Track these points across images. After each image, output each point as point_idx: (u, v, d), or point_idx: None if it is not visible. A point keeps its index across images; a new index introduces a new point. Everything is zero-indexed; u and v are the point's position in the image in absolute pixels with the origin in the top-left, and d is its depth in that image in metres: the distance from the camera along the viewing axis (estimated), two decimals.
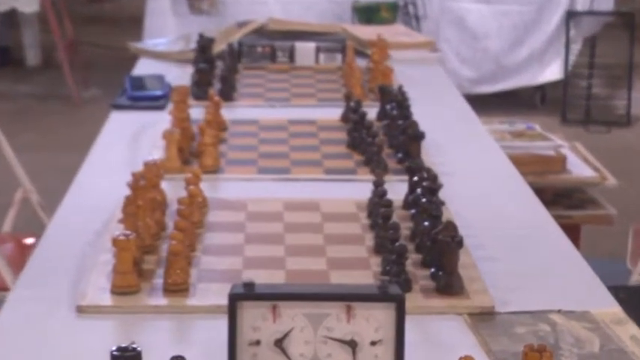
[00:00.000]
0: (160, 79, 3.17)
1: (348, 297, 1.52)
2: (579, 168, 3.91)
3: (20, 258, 3.13)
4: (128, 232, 1.83)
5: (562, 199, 3.82)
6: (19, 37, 7.88)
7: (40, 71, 7.80)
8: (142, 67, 3.56)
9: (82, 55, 7.57)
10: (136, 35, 6.39)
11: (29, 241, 3.31)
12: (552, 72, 6.62)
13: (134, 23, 7.51)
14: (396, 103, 2.69)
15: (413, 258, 1.91)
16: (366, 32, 3.79)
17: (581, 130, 6.24)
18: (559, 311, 1.78)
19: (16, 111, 6.62)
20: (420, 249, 1.95)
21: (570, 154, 3.97)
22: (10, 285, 2.88)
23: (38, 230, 3.38)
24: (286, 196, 2.29)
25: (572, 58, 6.60)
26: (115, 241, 1.80)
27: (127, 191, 2.06)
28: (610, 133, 6.38)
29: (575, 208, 3.77)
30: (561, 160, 3.85)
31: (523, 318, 1.76)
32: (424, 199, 2.02)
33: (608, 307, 1.81)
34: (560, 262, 2.03)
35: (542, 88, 6.82)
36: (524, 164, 3.14)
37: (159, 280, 1.84)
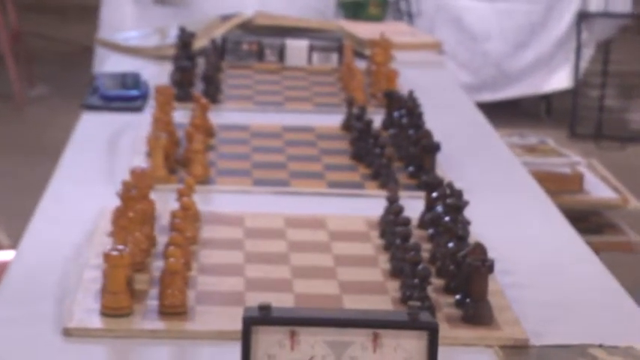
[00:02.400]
0: (135, 77, 3.20)
1: (375, 324, 1.56)
2: (598, 188, 3.96)
3: None
4: (121, 246, 1.86)
5: (578, 222, 3.86)
6: None
7: None
8: (112, 64, 3.59)
9: (26, 47, 7.56)
10: (87, 25, 6.40)
11: None
12: (560, 80, 6.66)
13: (84, 12, 7.52)
14: (405, 110, 2.73)
15: (434, 283, 1.95)
16: (366, 30, 3.83)
17: (592, 146, 6.29)
18: (600, 346, 1.82)
19: None
20: (442, 273, 1.99)
21: (587, 173, 4.03)
22: None
23: None
24: (287, 211, 2.32)
25: (584, 64, 6.64)
26: (108, 257, 1.82)
27: (107, 201, 2.10)
28: (624, 150, 6.43)
29: (592, 233, 3.81)
30: (578, 178, 3.90)
31: (560, 352, 1.79)
32: (447, 218, 2.06)
33: None
34: (597, 290, 2.06)
35: (548, 98, 6.86)
36: (538, 182, 3.17)
37: (152, 302, 1.86)
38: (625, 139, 6.50)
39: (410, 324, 1.55)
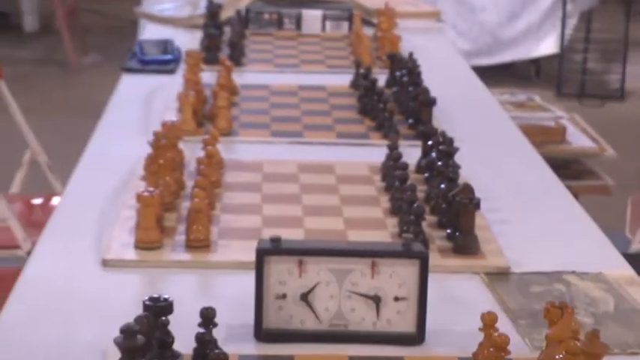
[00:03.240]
0: (169, 43, 3.19)
1: (373, 253, 1.55)
2: (578, 139, 3.94)
3: (28, 217, 3.16)
4: (152, 188, 1.85)
5: (560, 169, 3.84)
6: (18, 3, 7.86)
7: (38, 37, 7.79)
8: (149, 32, 3.57)
9: (80, 21, 7.55)
10: (133, 2, 6.39)
11: (37, 201, 3.32)
12: (548, 46, 6.63)
13: None
14: (406, 70, 2.71)
15: (428, 220, 1.94)
16: (373, 1, 3.79)
17: (576, 104, 6.26)
18: (573, 272, 1.81)
19: (14, 76, 6.60)
20: (435, 211, 1.98)
21: (569, 126, 4.01)
22: (22, 243, 2.90)
23: (46, 191, 3.41)
24: (300, 159, 2.31)
25: (568, 32, 6.60)
26: (140, 198, 1.82)
27: (142, 151, 2.09)
28: (604, 106, 6.41)
29: (573, 178, 3.80)
30: (561, 130, 3.88)
31: (538, 278, 1.79)
32: (440, 163, 2.04)
33: (620, 270, 1.84)
34: (571, 225, 2.05)
35: (537, 62, 6.84)
36: (526, 134, 3.15)
37: (180, 237, 1.86)
38: (604, 97, 6.48)
39: (403, 253, 1.55)
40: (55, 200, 3.27)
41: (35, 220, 3.12)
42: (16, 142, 3.40)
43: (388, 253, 1.55)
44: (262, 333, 1.54)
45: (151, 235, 1.82)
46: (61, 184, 3.42)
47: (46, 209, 3.23)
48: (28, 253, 2.92)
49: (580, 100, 6.44)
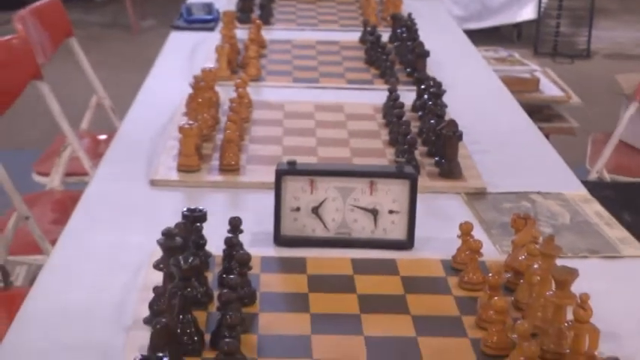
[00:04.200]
0: (209, 6, 3.16)
1: (372, 174, 1.55)
2: (550, 89, 3.90)
3: (95, 150, 3.16)
4: (191, 122, 1.85)
5: (534, 113, 3.81)
6: None
7: (105, 4, 7.75)
8: None
9: None
10: None
11: (102, 137, 3.32)
12: (527, 12, 6.56)
13: None
14: (405, 27, 2.69)
15: (420, 150, 1.93)
16: None
17: (550, 61, 6.20)
18: (538, 192, 1.81)
19: (85, 37, 6.58)
20: (426, 142, 1.97)
21: (542, 78, 3.97)
22: (89, 170, 2.91)
23: (109, 128, 3.41)
24: (316, 100, 2.30)
25: (545, 1, 6.53)
26: (181, 129, 1.82)
27: (185, 93, 2.09)
28: (573, 64, 6.35)
29: (544, 121, 3.77)
30: (535, 81, 3.84)
31: (509, 197, 1.79)
32: (430, 102, 2.03)
33: (577, 190, 1.84)
34: (539, 156, 2.04)
35: (518, 26, 6.76)
36: (505, 84, 3.13)
37: (215, 162, 1.86)
38: (574, 56, 6.41)
39: (397, 174, 1.55)
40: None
41: (100, 153, 3.10)
42: (86, 88, 3.40)
43: (384, 174, 1.55)
44: (280, 239, 1.55)
45: (190, 160, 1.83)
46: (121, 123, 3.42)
47: (109, 143, 3.23)
48: None
49: (553, 59, 6.38)
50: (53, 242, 2.45)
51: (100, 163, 1.95)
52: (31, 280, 2.85)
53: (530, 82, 3.81)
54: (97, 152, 3.12)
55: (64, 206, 2.82)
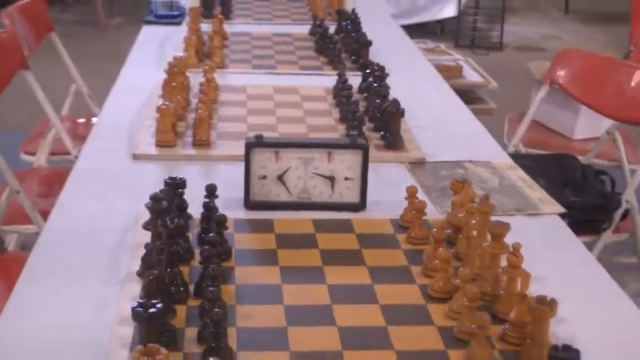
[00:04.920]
0: (176, 2, 3.13)
1: (329, 145, 1.55)
2: (471, 75, 3.93)
3: (75, 132, 3.12)
4: (167, 103, 1.84)
5: (459, 96, 3.82)
6: None
7: (76, 4, 7.62)
8: None
9: None
10: None
11: (81, 120, 3.28)
12: (449, 10, 6.59)
13: None
14: (350, 20, 2.69)
15: (367, 126, 1.94)
16: None
17: (469, 52, 6.23)
18: (470, 161, 1.83)
19: (60, 33, 6.47)
20: (372, 119, 1.98)
21: (465, 66, 4.00)
22: (71, 149, 2.88)
23: (87, 113, 3.37)
24: (274, 84, 2.29)
25: (463, 1, 6.58)
26: (159, 109, 1.81)
27: (159, 79, 2.07)
28: (488, 55, 6.40)
29: (467, 103, 3.78)
30: (459, 69, 3.87)
31: (445, 165, 1.80)
32: (375, 84, 2.04)
33: (502, 159, 1.86)
34: (469, 131, 2.06)
35: (441, 22, 6.79)
36: None
37: (189, 139, 1.85)
38: (489, 48, 6.45)
39: (351, 145, 1.55)
40: (94, 119, 3.24)
41: (80, 134, 3.07)
42: (65, 78, 3.35)
43: (340, 145, 1.56)
44: (250, 204, 1.55)
45: (167, 136, 1.81)
46: (98, 108, 3.38)
47: (88, 126, 3.20)
48: (76, 157, 2.90)
49: (472, 50, 6.41)
50: (41, 213, 2.43)
51: (86, 140, 1.92)
52: (21, 246, 2.81)
53: (455, 69, 3.83)
54: (76, 134, 3.09)
55: (49, 181, 2.79)
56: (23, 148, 2.98)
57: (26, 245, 2.88)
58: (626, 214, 2.72)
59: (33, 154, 2.94)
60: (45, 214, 2.42)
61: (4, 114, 4.58)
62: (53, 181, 2.79)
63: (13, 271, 2.19)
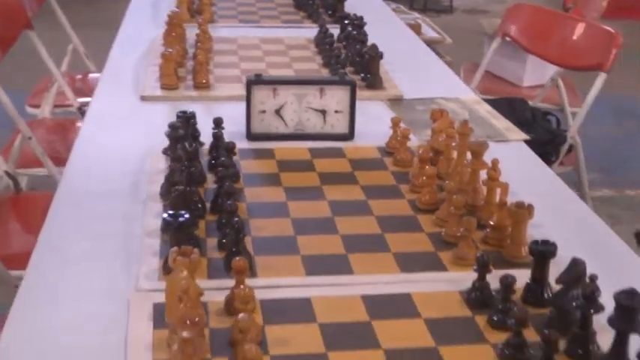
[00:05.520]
0: None
1: (321, 82, 1.56)
2: (429, 32, 3.94)
3: (74, 86, 3.09)
4: (170, 49, 1.83)
5: None
6: None
7: None
8: None
9: None
10: None
11: (78, 76, 3.25)
12: None
13: None
14: None
15: (348, 70, 1.94)
16: None
17: (422, 15, 6.23)
18: (442, 97, 1.85)
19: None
20: (352, 64, 1.98)
21: (423, 24, 4.00)
22: (72, 101, 2.86)
23: (83, 69, 3.34)
24: (260, 35, 2.29)
25: None
26: (163, 55, 1.80)
27: (155, 34, 2.05)
28: (439, 17, 6.41)
29: None
30: (419, 26, 3.87)
31: (420, 102, 1.82)
32: (355, 32, 2.05)
33: (469, 96, 1.89)
34: (438, 72, 2.08)
35: None
36: None
37: (189, 82, 1.85)
38: (440, 11, 6.49)
39: (340, 82, 1.56)
40: (92, 75, 3.21)
41: (78, 88, 3.06)
42: (63, 39, 3.31)
43: (331, 81, 1.57)
44: (251, 135, 1.56)
45: (171, 79, 1.81)
46: (94, 66, 3.35)
47: (85, 81, 3.17)
48: (78, 109, 2.88)
49: (424, 13, 6.41)
50: (50, 156, 2.42)
51: (97, 87, 1.91)
52: (31, 187, 2.80)
53: (415, 26, 3.82)
54: (75, 88, 3.06)
55: (54, 130, 2.77)
56: (29, 101, 2.95)
57: (35, 187, 2.86)
58: (570, 149, 2.78)
59: (38, 106, 2.92)
60: (52, 159, 2.42)
61: (10, 74, 4.50)
62: (58, 130, 2.77)
63: (29, 207, 2.20)
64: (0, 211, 2.13)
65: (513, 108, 2.87)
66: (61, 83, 2.88)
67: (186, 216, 1.06)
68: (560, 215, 1.31)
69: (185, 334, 0.74)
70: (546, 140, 2.70)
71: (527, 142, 1.63)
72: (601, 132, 4.21)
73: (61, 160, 2.40)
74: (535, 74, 3.44)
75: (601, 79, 2.53)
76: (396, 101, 1.81)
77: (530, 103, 3.03)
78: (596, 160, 3.61)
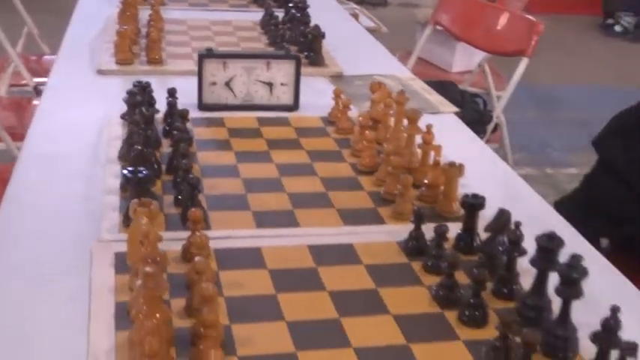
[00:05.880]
0: None
1: (268, 56, 1.57)
2: (366, 22, 3.96)
3: (29, 66, 3.03)
4: (124, 27, 1.82)
5: None
6: None
7: None
8: None
9: None
10: None
11: (33, 57, 3.19)
12: None
13: None
14: None
15: (293, 48, 1.95)
16: None
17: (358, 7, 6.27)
18: (379, 74, 1.87)
19: None
20: (296, 44, 1.98)
21: (360, 14, 4.03)
22: (29, 81, 2.81)
23: (37, 51, 3.28)
24: (209, 18, 2.28)
25: None
26: (118, 32, 1.79)
27: (110, 13, 2.03)
28: (375, 9, 6.46)
29: None
30: (357, 15, 3.88)
31: (359, 78, 1.85)
32: (298, 14, 2.06)
33: (404, 74, 1.92)
34: (374, 52, 2.11)
35: None
36: None
37: (143, 58, 1.83)
38: (376, 4, 6.54)
39: (286, 56, 1.57)
40: (45, 57, 3.16)
41: (32, 69, 3.01)
42: (18, 23, 3.24)
43: (277, 56, 1.58)
44: (203, 106, 1.56)
45: (126, 55, 1.80)
46: (48, 48, 3.30)
47: (39, 62, 3.12)
48: (34, 88, 2.83)
49: (361, 5, 6.44)
50: (7, 132, 2.38)
51: (55, 61, 1.89)
52: None
53: (354, 15, 3.85)
54: (30, 68, 3.01)
55: (11, 107, 2.72)
56: None
57: None
58: (495, 128, 2.85)
59: None
60: (11, 135, 2.38)
61: None
62: (15, 108, 2.72)
63: None
64: None
65: (444, 90, 2.91)
66: (17, 63, 2.83)
67: (145, 172, 1.07)
68: (487, 175, 1.36)
69: (148, 269, 0.75)
70: (474, 119, 2.76)
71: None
72: (524, 117, 4.31)
73: (17, 136, 2.37)
74: (464, 60, 3.51)
75: (523, 63, 2.60)
76: (336, 77, 1.83)
77: (460, 87, 3.09)
78: (519, 142, 3.71)
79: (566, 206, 1.98)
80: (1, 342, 0.86)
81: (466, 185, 1.27)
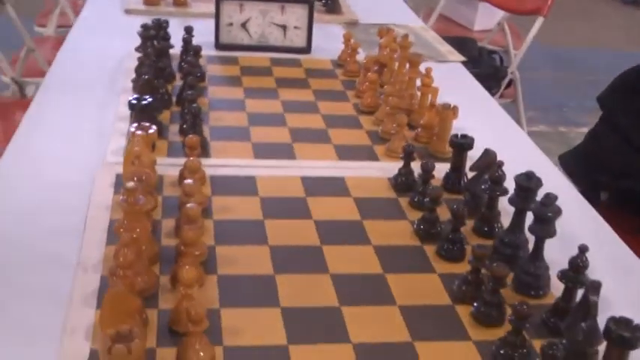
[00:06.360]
0: None
1: (282, 0, 1.51)
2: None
3: (76, 9, 2.99)
4: None
5: None
6: None
7: None
8: None
9: None
10: None
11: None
12: None
13: None
14: None
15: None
16: None
17: None
18: (393, 24, 1.80)
19: None
20: None
21: None
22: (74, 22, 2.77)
23: None
24: None
25: None
26: None
27: None
28: None
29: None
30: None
31: (373, 26, 1.77)
32: None
33: (418, 24, 1.84)
34: (393, 6, 2.02)
35: None
36: None
37: (170, 0, 1.78)
38: None
39: (299, 0, 1.51)
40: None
41: (78, 11, 2.97)
42: None
43: (291, 0, 1.52)
44: (219, 45, 1.52)
45: None
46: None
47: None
48: None
49: None
50: None
51: (85, 4, 1.85)
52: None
53: None
54: (77, 11, 2.98)
55: (58, 46, 2.69)
56: (37, 21, 2.88)
57: None
58: (509, 84, 2.75)
59: (44, 26, 2.85)
60: None
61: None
62: (60, 46, 2.70)
63: None
64: (8, 111, 2.09)
65: (463, 46, 2.82)
66: (64, 4, 2.80)
67: (149, 99, 1.03)
68: (482, 119, 1.30)
69: (129, 184, 0.72)
70: (490, 74, 2.67)
71: (472, 74, 1.60)
72: (542, 78, 4.18)
73: None
74: (486, 19, 3.39)
75: (539, 22, 2.49)
76: (352, 24, 1.77)
77: (479, 44, 2.98)
78: (535, 101, 3.60)
79: (568, 159, 1.91)
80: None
81: (461, 128, 1.21)
